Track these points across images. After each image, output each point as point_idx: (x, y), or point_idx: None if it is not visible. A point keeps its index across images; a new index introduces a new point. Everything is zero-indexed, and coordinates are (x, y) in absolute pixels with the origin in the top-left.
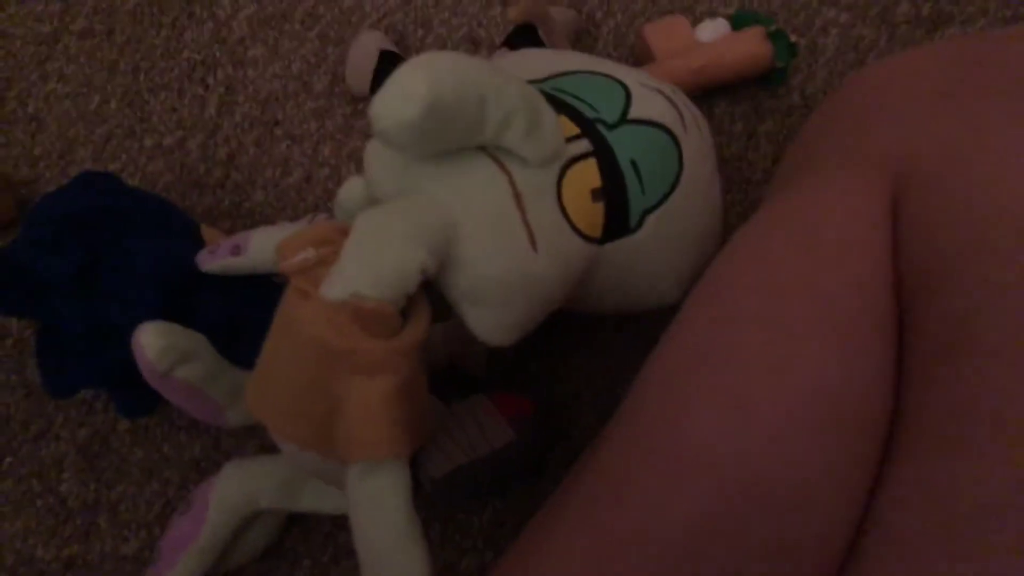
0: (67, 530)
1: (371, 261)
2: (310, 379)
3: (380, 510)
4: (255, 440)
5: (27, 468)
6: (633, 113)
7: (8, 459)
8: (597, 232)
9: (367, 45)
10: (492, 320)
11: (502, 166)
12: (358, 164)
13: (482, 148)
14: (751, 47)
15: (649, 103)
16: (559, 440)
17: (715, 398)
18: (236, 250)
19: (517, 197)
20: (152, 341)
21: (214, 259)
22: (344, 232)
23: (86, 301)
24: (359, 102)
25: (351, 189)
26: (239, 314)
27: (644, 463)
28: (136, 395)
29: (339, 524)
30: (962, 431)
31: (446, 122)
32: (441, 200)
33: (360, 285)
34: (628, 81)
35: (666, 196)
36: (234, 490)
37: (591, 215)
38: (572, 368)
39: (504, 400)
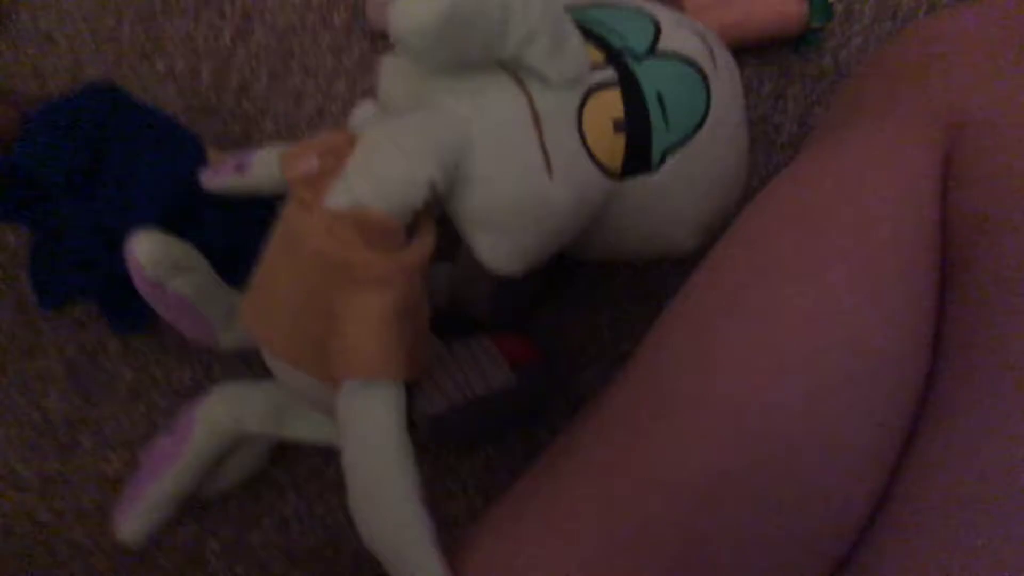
0: (48, 446)
1: (378, 171)
2: (308, 294)
3: (371, 430)
4: (248, 370)
5: (11, 382)
6: (662, 46)
7: None
8: (617, 165)
9: None
10: (500, 246)
11: (522, 86)
12: (373, 100)
13: (503, 67)
14: (786, 5)
15: (680, 38)
16: (560, 391)
17: (747, 348)
18: (240, 168)
19: (536, 118)
20: (146, 248)
21: (218, 177)
22: (353, 143)
23: (84, 207)
24: (378, 39)
25: (364, 112)
26: (240, 237)
27: (666, 409)
28: (128, 309)
29: (328, 458)
30: (1007, 391)
31: (467, 30)
32: (456, 115)
33: (365, 195)
34: (660, 16)
35: (690, 135)
36: (221, 411)
37: (611, 147)
38: (578, 321)
39: (507, 342)
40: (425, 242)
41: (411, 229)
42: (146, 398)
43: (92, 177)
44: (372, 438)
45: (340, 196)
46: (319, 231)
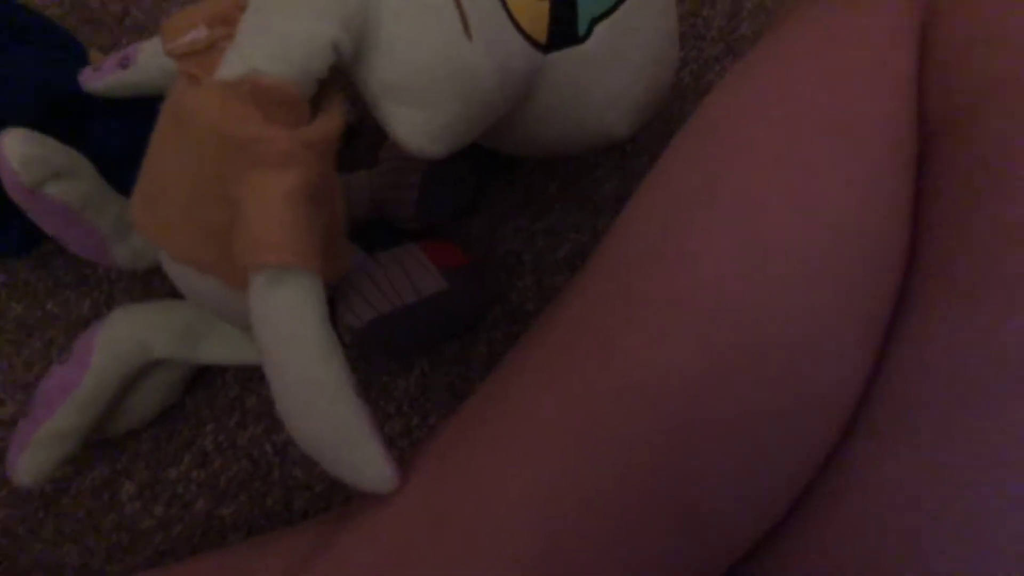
0: None
1: (273, 32)
2: (204, 180)
3: (289, 325)
4: (152, 298)
5: None
6: None
7: None
8: (542, 36)
9: None
10: (419, 121)
11: None
12: None
13: None
14: None
15: None
16: (495, 301)
17: (726, 237)
18: (124, 62)
19: None
20: (17, 147)
21: (100, 76)
22: (243, 6)
23: None
24: None
25: None
26: (132, 142)
27: (636, 311)
28: (9, 230)
29: (247, 387)
30: (987, 278)
31: None
32: None
33: (259, 59)
34: None
35: (617, 4)
36: (123, 334)
37: (534, 14)
38: (512, 229)
39: (435, 248)
40: (332, 116)
41: (316, 105)
42: (41, 334)
43: None
44: (291, 333)
45: (233, 65)
46: (211, 106)
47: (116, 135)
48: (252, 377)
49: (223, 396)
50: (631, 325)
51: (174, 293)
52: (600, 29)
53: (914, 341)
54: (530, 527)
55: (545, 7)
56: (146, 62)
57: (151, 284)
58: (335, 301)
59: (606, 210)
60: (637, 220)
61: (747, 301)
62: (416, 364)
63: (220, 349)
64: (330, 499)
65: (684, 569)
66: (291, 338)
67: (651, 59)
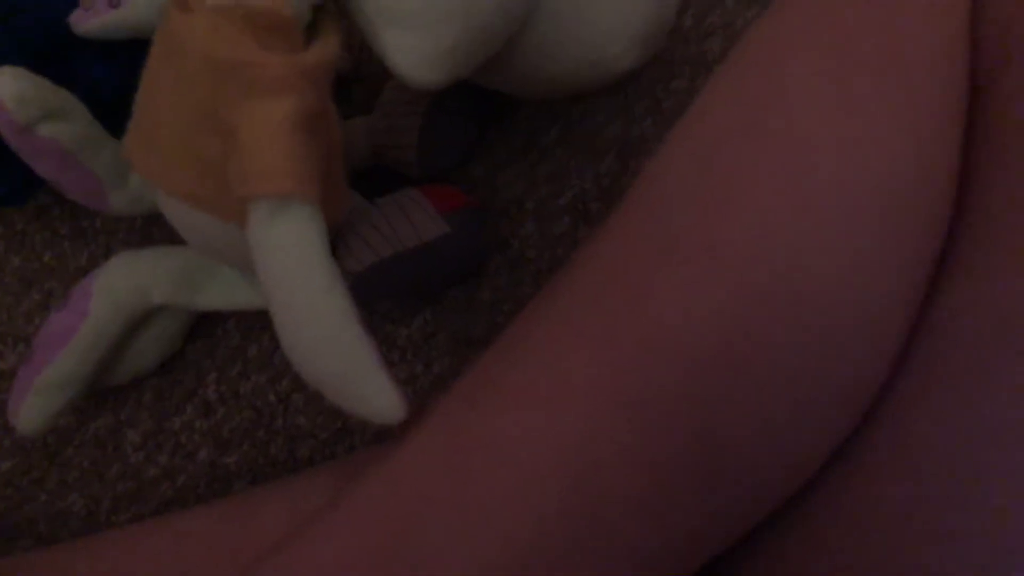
0: None
1: None
2: (198, 109)
3: (290, 258)
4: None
5: None
6: None
7: None
8: None
9: None
10: (416, 46)
11: None
12: None
13: None
14: None
15: None
16: (497, 248)
17: (768, 179)
18: (115, 1)
19: None
20: (9, 86)
21: (91, 17)
22: None
23: None
24: None
25: None
26: (124, 85)
27: (671, 253)
28: (3, 177)
29: (249, 336)
30: None
31: None
32: None
33: None
34: None
35: None
36: (121, 280)
37: None
38: (514, 175)
39: (437, 192)
40: (328, 43)
41: (312, 33)
42: (39, 286)
43: None
44: (294, 265)
45: None
46: (204, 33)
47: (108, 78)
48: (254, 326)
49: (225, 345)
50: (666, 269)
51: (175, 241)
52: None
53: (956, 299)
54: (556, 479)
55: None
56: (136, 2)
57: (150, 235)
58: (335, 246)
59: (608, 155)
60: (674, 159)
61: (788, 245)
62: (419, 312)
63: (220, 295)
64: (335, 447)
65: (714, 523)
66: (294, 269)
67: None
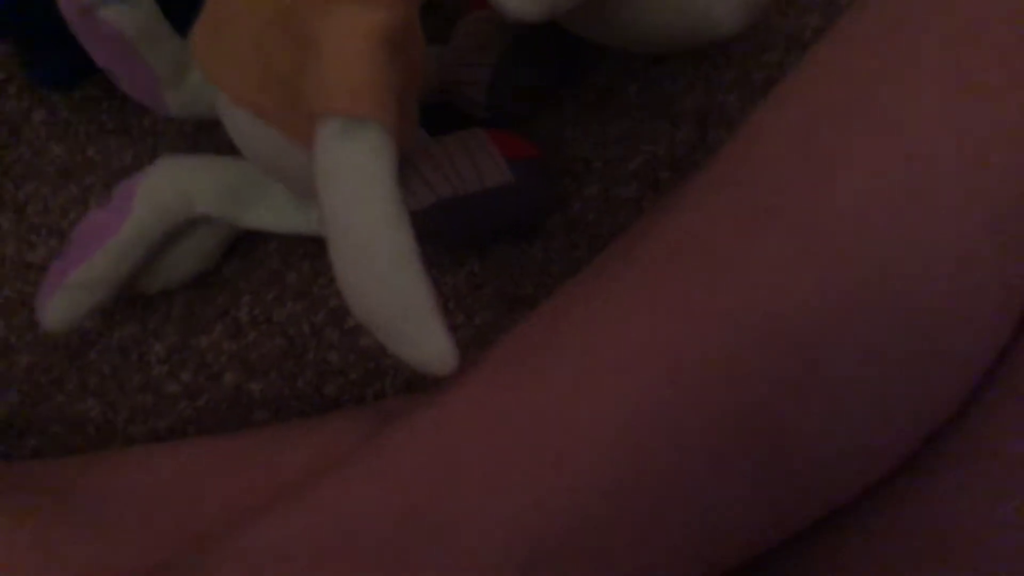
0: None
1: None
2: (276, 12)
3: (358, 181)
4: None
5: None
6: None
7: None
8: None
9: None
10: None
11: None
12: None
13: None
14: None
15: None
16: (558, 205)
17: (874, 163)
18: None
19: None
20: None
21: None
22: None
23: None
24: None
25: None
26: None
27: (758, 231)
28: (55, 58)
29: (289, 262)
30: None
31: None
32: None
33: None
34: None
35: None
36: (166, 184)
37: None
38: (583, 132)
39: (504, 138)
40: None
41: None
42: (78, 179)
43: None
44: (360, 192)
45: None
46: None
47: None
48: (296, 252)
49: (263, 268)
50: (751, 247)
51: (222, 152)
52: None
53: None
54: (603, 450)
55: None
56: None
57: (198, 141)
58: None
59: (685, 123)
60: (771, 132)
61: (894, 235)
62: (467, 261)
63: (268, 215)
64: (363, 388)
65: (767, 516)
66: (359, 195)
67: None
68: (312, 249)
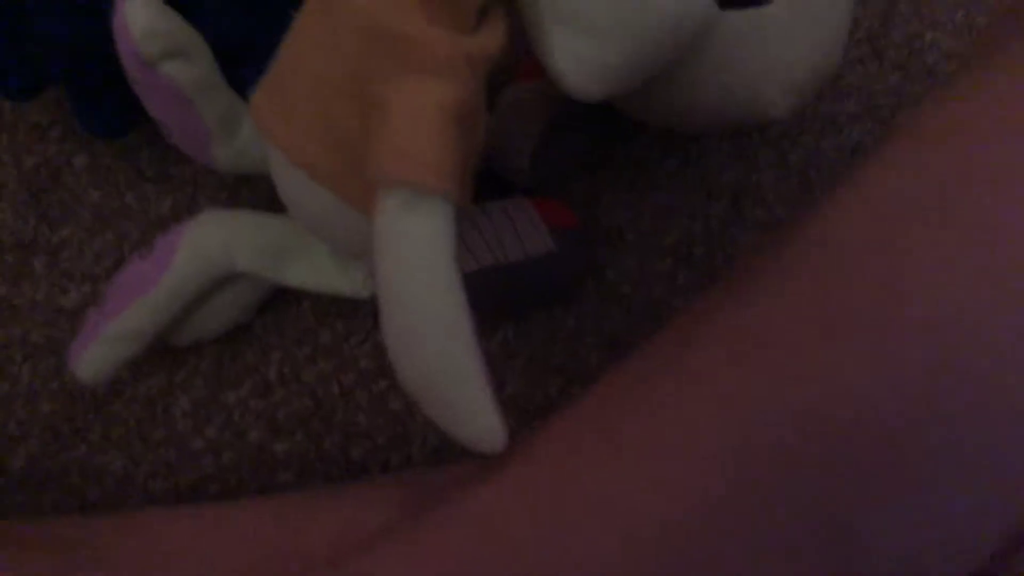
0: None
1: None
2: (345, 76)
3: (418, 250)
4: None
5: None
6: None
7: None
8: None
9: None
10: (582, 51)
11: None
12: None
13: None
14: None
15: None
16: (591, 275)
17: (960, 263)
18: None
19: None
20: (140, 18)
21: None
22: None
23: None
24: None
25: None
26: (249, 34)
27: (828, 328)
28: (104, 107)
29: (323, 321)
30: None
31: None
32: None
33: None
34: None
35: None
36: (211, 237)
37: None
38: (619, 202)
39: (547, 206)
40: (497, 32)
41: (479, 18)
42: (115, 226)
43: None
44: (418, 261)
45: None
46: None
47: (233, 19)
48: (329, 310)
49: (296, 325)
50: (828, 341)
51: (261, 204)
52: None
53: None
54: (661, 551)
55: None
56: None
57: (238, 192)
58: None
59: (721, 199)
60: (838, 226)
61: (974, 323)
62: (500, 328)
63: (308, 274)
64: (390, 453)
65: None
66: (418, 264)
67: (828, 34)
68: (346, 308)
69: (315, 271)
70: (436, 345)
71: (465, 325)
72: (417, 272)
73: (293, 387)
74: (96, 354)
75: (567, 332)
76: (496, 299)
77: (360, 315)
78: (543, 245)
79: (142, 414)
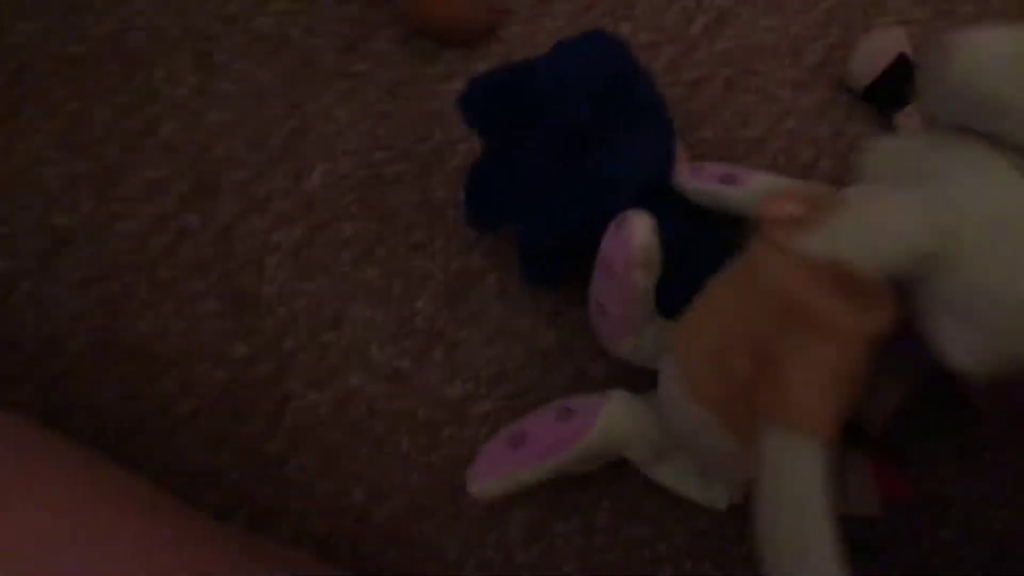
0: (406, 344)
1: (870, 227)
2: (752, 333)
3: (799, 485)
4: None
5: (397, 270)
6: None
7: (381, 250)
8: None
9: (886, 42)
10: (966, 338)
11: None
12: (814, 146)
13: (1000, 153)
14: None
15: None
16: (910, 537)
17: None
18: (728, 179)
19: None
20: (645, 231)
21: (701, 182)
22: (835, 199)
23: (562, 148)
24: (842, 92)
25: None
26: (684, 247)
27: None
28: (551, 264)
29: (653, 486)
30: None
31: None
32: (953, 195)
33: (849, 248)
34: None
35: None
36: (622, 423)
37: None
38: (951, 477)
39: (886, 470)
40: (887, 310)
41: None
42: (502, 343)
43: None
44: (796, 490)
45: (819, 243)
46: (788, 272)
47: (677, 233)
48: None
49: (630, 482)
50: None
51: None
52: None
53: None
54: None
55: None
56: (753, 190)
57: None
58: None
59: None
60: None
61: None
62: None
63: (672, 475)
64: None
65: None
66: (796, 492)
67: None
68: None
69: (679, 475)
70: (807, 560)
71: (834, 545)
72: (793, 497)
73: (613, 539)
74: (501, 486)
75: None
76: None
77: None
78: (869, 507)
79: (481, 516)
